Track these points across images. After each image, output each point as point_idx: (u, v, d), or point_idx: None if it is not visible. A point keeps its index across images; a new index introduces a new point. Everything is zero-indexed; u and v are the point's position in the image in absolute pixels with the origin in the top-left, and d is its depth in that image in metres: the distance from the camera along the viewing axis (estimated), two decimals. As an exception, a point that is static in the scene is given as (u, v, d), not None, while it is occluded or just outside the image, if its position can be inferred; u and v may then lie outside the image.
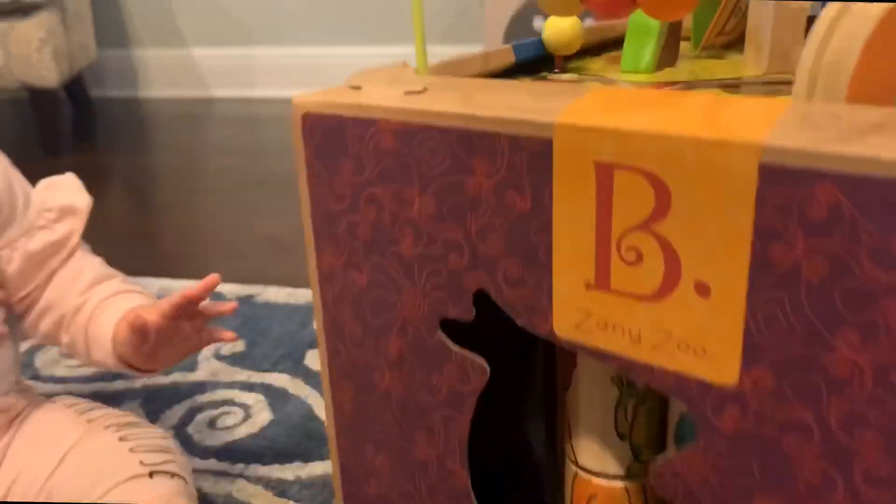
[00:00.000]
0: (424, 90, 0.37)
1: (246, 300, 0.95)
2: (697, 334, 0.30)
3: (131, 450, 0.56)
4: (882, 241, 0.25)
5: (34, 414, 0.59)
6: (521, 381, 0.45)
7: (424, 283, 0.38)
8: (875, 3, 0.29)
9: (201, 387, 0.79)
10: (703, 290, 0.30)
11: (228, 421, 0.73)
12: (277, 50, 2.08)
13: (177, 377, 0.80)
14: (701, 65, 0.50)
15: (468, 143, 0.34)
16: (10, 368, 0.59)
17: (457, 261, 0.37)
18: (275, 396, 0.77)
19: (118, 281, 0.60)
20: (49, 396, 0.62)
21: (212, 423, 0.73)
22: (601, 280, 0.32)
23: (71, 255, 0.60)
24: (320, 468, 0.66)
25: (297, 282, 0.97)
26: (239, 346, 0.86)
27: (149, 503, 0.52)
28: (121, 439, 0.57)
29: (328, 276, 0.42)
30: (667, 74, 0.47)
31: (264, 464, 0.67)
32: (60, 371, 0.83)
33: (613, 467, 0.40)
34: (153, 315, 0.54)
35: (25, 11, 1.62)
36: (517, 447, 0.46)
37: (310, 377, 0.79)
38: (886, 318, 0.26)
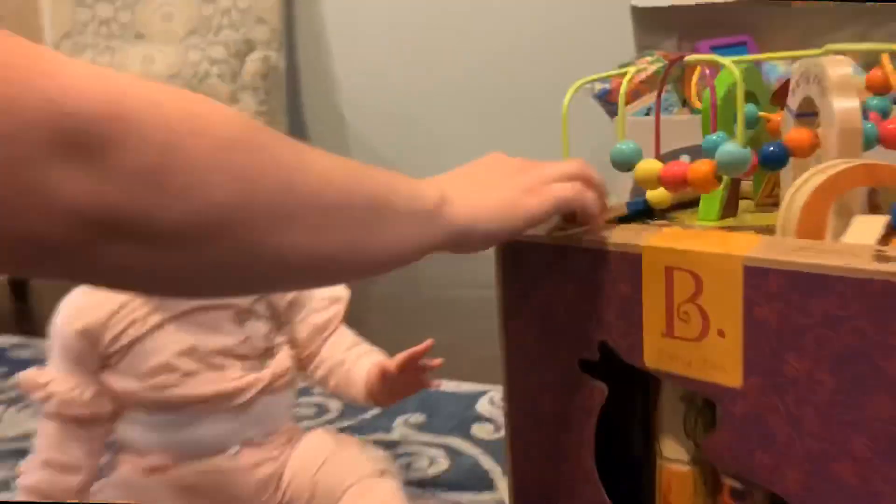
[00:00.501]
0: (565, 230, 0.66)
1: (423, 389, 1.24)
2: (719, 359, 0.56)
3: (367, 458, 0.86)
4: (800, 302, 0.51)
5: (303, 436, 0.90)
6: (630, 399, 0.70)
7: (570, 338, 0.66)
8: (810, 181, 0.56)
9: (397, 443, 1.07)
10: (721, 334, 0.56)
11: (419, 465, 1.01)
12: None
13: (379, 435, 1.09)
14: (752, 216, 0.77)
15: (597, 256, 0.62)
16: (291, 405, 0.90)
17: (589, 324, 0.64)
18: (450, 451, 1.04)
19: (365, 345, 0.92)
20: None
21: (408, 466, 1.01)
22: (669, 331, 0.59)
23: (337, 327, 0.92)
24: (487, 496, 0.92)
25: (462, 376, 1.25)
26: (420, 418, 1.15)
27: (380, 496, 0.80)
28: (360, 452, 0.87)
29: (511, 337, 0.70)
30: (728, 221, 0.74)
31: (447, 490, 0.94)
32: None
33: (683, 456, 0.64)
34: (391, 364, 0.84)
35: None
36: (625, 446, 0.70)
37: (475, 441, 1.06)
38: (808, 344, 0.52)
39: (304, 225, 0.44)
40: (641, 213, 0.78)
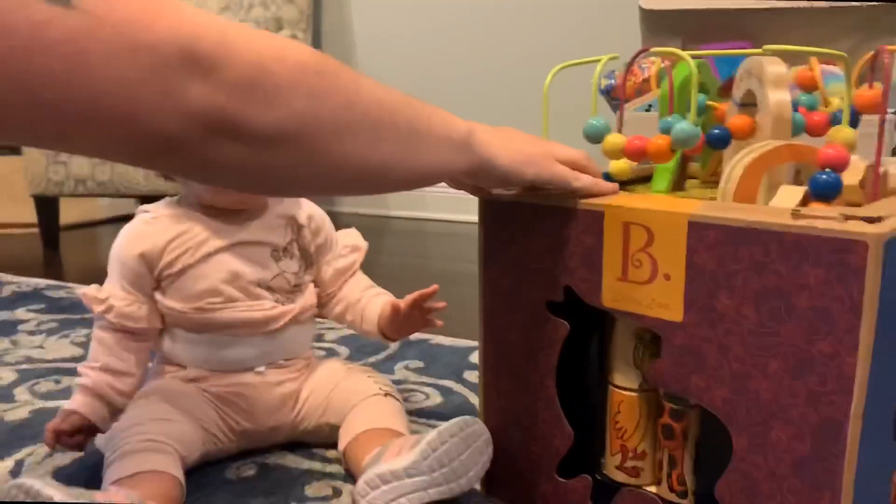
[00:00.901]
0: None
1: (424, 342, 1.39)
2: (665, 298, 0.68)
3: (374, 381, 0.99)
4: (732, 251, 0.64)
5: (319, 363, 1.03)
6: (588, 336, 0.82)
7: (539, 283, 0.77)
8: (746, 157, 0.68)
9: (398, 382, 1.20)
10: (667, 277, 0.68)
11: (416, 399, 1.14)
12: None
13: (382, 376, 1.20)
14: (697, 191, 0.89)
15: (567, 214, 0.74)
16: (312, 336, 1.04)
17: (557, 271, 0.76)
18: (442, 390, 1.17)
19: (379, 288, 1.06)
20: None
21: (406, 399, 1.13)
22: (624, 275, 0.71)
23: (356, 272, 1.06)
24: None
25: (457, 333, 1.38)
26: (420, 364, 1.29)
27: (383, 411, 0.93)
28: (368, 377, 1.00)
29: (488, 282, 0.81)
30: (676, 195, 0.87)
31: (438, 420, 1.05)
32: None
33: (632, 384, 0.76)
34: (402, 302, 0.97)
35: None
36: (581, 375, 0.82)
37: (466, 384, 1.18)
38: (737, 284, 0.64)
39: (360, 138, 0.56)
40: (603, 182, 0.90)
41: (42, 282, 1.87)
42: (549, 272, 0.76)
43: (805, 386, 0.62)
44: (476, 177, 0.71)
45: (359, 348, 1.36)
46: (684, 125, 0.71)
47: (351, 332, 1.36)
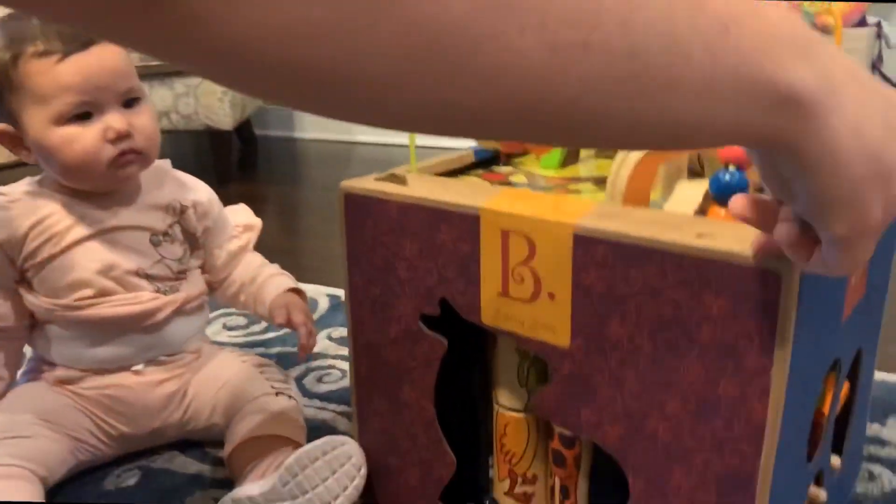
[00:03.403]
0: (407, 184, 0.65)
1: None
2: (550, 320, 0.58)
3: (267, 378, 0.88)
4: (624, 271, 0.53)
5: (211, 355, 0.92)
6: (469, 351, 0.72)
7: (412, 294, 0.66)
8: (632, 157, 0.57)
9: (315, 356, 1.10)
10: (552, 296, 0.58)
11: (330, 377, 1.04)
12: None
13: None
14: (591, 163, 0.78)
15: (438, 215, 0.62)
16: (202, 327, 0.92)
17: (430, 281, 0.64)
18: None
19: (273, 266, 0.95)
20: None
21: (320, 379, 1.04)
22: (504, 290, 0.60)
23: (249, 251, 0.95)
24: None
25: None
26: (344, 332, 1.15)
27: (271, 415, 0.83)
28: (261, 373, 0.89)
29: (355, 289, 0.70)
30: (569, 170, 0.75)
31: (345, 405, 0.96)
32: (223, 339, 1.16)
33: (517, 404, 0.67)
34: (296, 318, 0.87)
35: None
36: (464, 395, 0.73)
37: None
38: (630, 310, 0.54)
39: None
40: (488, 160, 0.78)
41: None
42: (423, 282, 0.65)
43: (709, 429, 0.53)
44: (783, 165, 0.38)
45: None
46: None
47: None
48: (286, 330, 1.15)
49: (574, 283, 0.56)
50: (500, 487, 0.70)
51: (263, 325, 1.21)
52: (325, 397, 0.99)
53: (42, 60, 0.77)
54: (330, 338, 1.16)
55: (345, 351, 1.11)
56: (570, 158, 0.76)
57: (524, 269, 0.58)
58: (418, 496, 0.71)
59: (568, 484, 0.65)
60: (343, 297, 1.24)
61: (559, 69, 0.30)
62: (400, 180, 0.66)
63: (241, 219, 0.96)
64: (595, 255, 0.54)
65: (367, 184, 0.67)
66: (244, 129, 2.53)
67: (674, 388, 0.53)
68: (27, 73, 0.77)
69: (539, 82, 0.30)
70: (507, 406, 0.67)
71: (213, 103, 2.06)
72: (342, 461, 0.71)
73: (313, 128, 2.79)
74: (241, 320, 1.23)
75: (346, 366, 1.07)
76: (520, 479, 0.68)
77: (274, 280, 0.93)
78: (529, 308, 0.59)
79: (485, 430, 0.71)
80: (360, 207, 0.67)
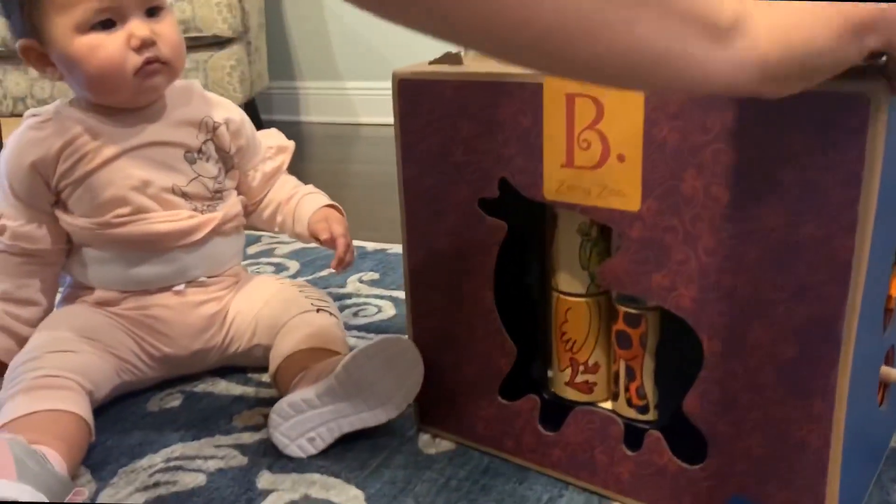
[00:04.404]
0: (462, 63, 0.64)
1: (381, 252, 1.28)
2: (619, 184, 0.57)
3: (307, 297, 0.88)
4: (701, 119, 0.52)
5: (248, 279, 0.92)
6: (526, 238, 0.71)
7: (469, 178, 0.65)
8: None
9: (349, 295, 1.10)
10: (621, 158, 0.57)
11: (366, 312, 1.04)
12: None
13: (333, 290, 1.10)
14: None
15: (497, 90, 0.61)
16: (240, 250, 0.92)
17: (489, 161, 0.63)
18: (397, 302, 1.06)
19: (308, 186, 0.94)
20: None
21: (356, 314, 1.03)
22: (569, 160, 0.59)
23: (283, 172, 0.94)
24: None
25: None
26: (375, 275, 1.17)
27: (314, 329, 0.82)
28: (300, 291, 0.89)
29: (409, 181, 0.68)
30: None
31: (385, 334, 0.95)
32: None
33: (579, 288, 0.66)
34: (336, 229, 0.86)
35: (221, 44, 2.04)
36: (519, 284, 0.71)
37: None
38: (706, 160, 0.53)
39: None
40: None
41: None
42: (480, 164, 0.64)
43: (791, 277, 0.52)
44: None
45: (309, 262, 1.24)
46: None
47: (301, 245, 1.28)
48: (319, 273, 1.15)
49: (646, 140, 0.55)
50: (561, 378, 0.69)
51: (293, 268, 1.21)
52: (364, 328, 0.98)
53: None
54: (361, 280, 1.15)
55: (377, 291, 1.11)
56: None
57: (591, 134, 0.57)
58: (477, 391, 0.70)
59: (634, 365, 0.64)
60: (368, 248, 1.27)
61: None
62: (455, 59, 0.65)
63: (274, 141, 0.96)
64: (668, 105, 0.53)
65: (421, 67, 0.66)
66: (250, 112, 2.48)
67: (752, 237, 0.52)
68: None
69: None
70: (568, 291, 0.66)
71: (221, 77, 2.06)
72: (399, 358, 0.70)
73: (317, 111, 2.77)
74: (269, 269, 1.22)
75: (380, 303, 1.06)
76: (581, 368, 0.67)
77: (311, 197, 0.92)
78: (596, 174, 0.58)
79: (542, 320, 0.70)
80: (413, 94, 0.66)
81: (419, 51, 0.55)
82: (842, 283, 0.50)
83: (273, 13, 2.69)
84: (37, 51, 0.80)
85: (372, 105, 2.65)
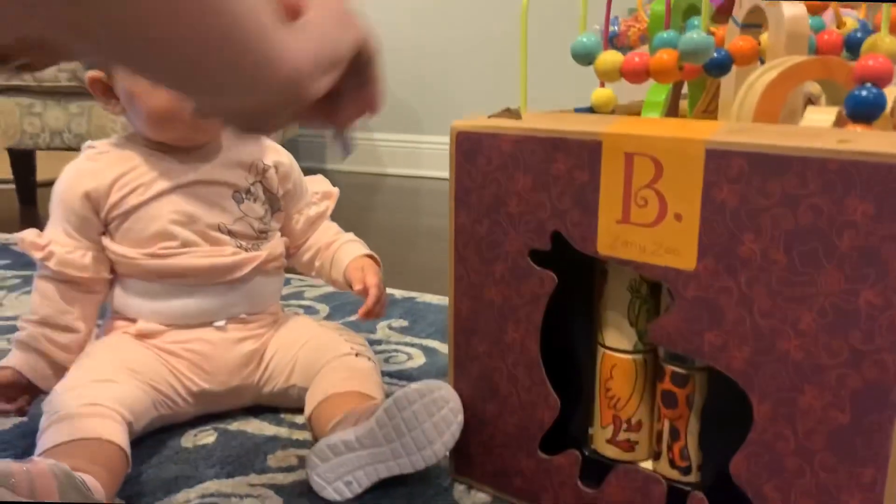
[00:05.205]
0: (521, 118, 0.66)
1: (410, 300, 1.29)
2: (675, 243, 0.58)
3: (346, 340, 0.88)
4: (760, 183, 0.53)
5: (287, 319, 0.93)
6: (575, 291, 0.71)
7: (521, 229, 0.66)
8: (765, 74, 0.57)
9: (379, 342, 1.10)
10: (679, 218, 0.57)
11: (397, 359, 1.04)
12: (442, 138, 2.53)
13: (363, 335, 1.08)
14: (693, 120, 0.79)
15: (554, 145, 0.62)
16: (280, 289, 0.93)
17: (543, 214, 0.64)
18: (427, 351, 1.07)
19: (349, 234, 0.97)
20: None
21: (387, 360, 1.04)
22: (625, 216, 0.60)
23: (326, 218, 0.97)
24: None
25: (445, 293, 1.27)
26: (404, 323, 1.18)
27: (353, 373, 0.83)
28: (339, 335, 0.90)
29: (461, 229, 0.69)
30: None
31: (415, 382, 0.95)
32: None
33: (626, 345, 0.66)
34: (370, 279, 0.88)
35: None
36: (565, 337, 0.72)
37: None
38: (765, 223, 0.53)
39: None
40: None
41: (13, 237, 1.69)
42: (534, 216, 0.65)
43: (846, 343, 0.52)
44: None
45: (339, 307, 1.25)
46: (694, 34, 0.60)
47: (331, 290, 1.29)
48: (348, 318, 1.16)
49: (704, 200, 0.56)
50: (602, 435, 0.69)
51: (323, 312, 1.21)
52: (394, 374, 0.98)
53: None
54: (390, 327, 1.16)
55: (406, 339, 1.11)
56: (670, 113, 0.77)
57: (648, 192, 0.58)
58: (517, 443, 0.70)
59: (679, 425, 0.64)
60: (396, 295, 1.28)
61: None
62: (515, 115, 0.66)
63: (320, 187, 0.98)
64: (729, 169, 0.54)
65: (481, 121, 0.67)
66: (279, 159, 2.56)
67: (809, 301, 0.53)
68: None
69: None
70: (615, 347, 0.67)
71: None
72: (440, 405, 0.70)
73: (344, 160, 2.82)
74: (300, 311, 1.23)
75: (410, 350, 1.07)
76: (624, 426, 0.67)
77: (349, 246, 0.94)
78: (652, 232, 0.59)
79: (587, 375, 0.70)
80: (471, 145, 0.67)
81: (448, 106, 0.57)
82: (899, 352, 0.50)
83: (308, 63, 2.76)
84: (103, 83, 0.83)
85: (398, 156, 2.70)
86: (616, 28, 1.77)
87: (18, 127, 2.10)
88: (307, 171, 0.98)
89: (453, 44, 2.59)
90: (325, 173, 1.03)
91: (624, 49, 1.75)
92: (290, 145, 2.70)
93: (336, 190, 0.99)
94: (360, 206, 2.15)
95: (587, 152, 0.61)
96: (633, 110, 0.84)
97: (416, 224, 2.00)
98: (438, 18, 2.61)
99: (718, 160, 0.55)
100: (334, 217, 1.00)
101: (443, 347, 1.08)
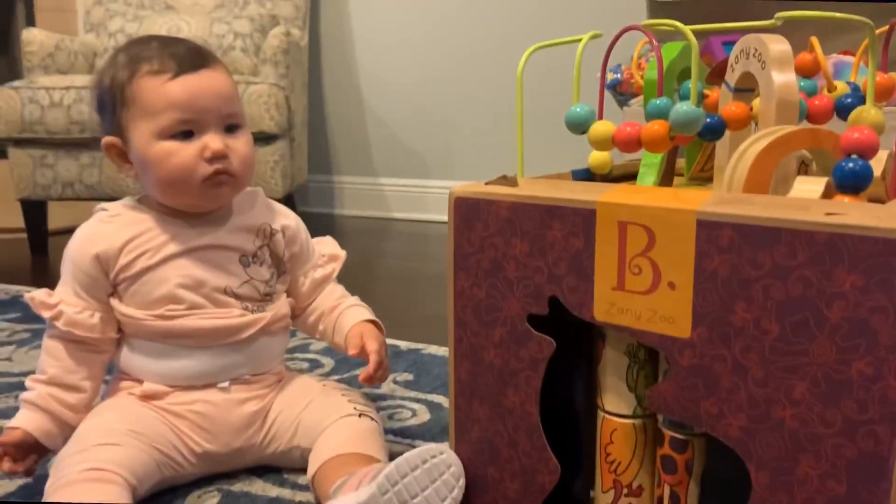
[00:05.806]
0: (518, 185, 0.67)
1: (415, 351, 1.30)
2: (670, 311, 0.59)
3: (349, 400, 0.89)
4: (751, 254, 0.54)
5: (290, 379, 0.93)
6: (573, 355, 0.72)
7: (519, 293, 0.67)
8: (756, 143, 0.58)
9: (383, 397, 1.11)
10: (672, 286, 0.58)
11: (401, 416, 1.04)
12: (448, 182, 2.58)
13: (367, 389, 1.11)
14: (686, 187, 0.80)
15: (550, 212, 0.64)
16: (284, 349, 0.94)
17: (540, 279, 0.65)
18: (432, 406, 1.07)
19: (353, 298, 0.97)
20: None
21: (391, 416, 1.04)
22: (620, 284, 0.61)
23: (332, 281, 0.98)
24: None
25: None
26: (409, 376, 1.19)
27: (356, 434, 0.84)
28: (342, 395, 0.90)
29: (460, 292, 0.70)
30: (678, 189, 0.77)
31: (426, 440, 0.96)
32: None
33: (625, 410, 0.66)
34: (370, 345, 0.88)
35: (266, 140, 2.12)
36: (564, 402, 0.72)
37: None
38: (756, 293, 0.54)
39: None
40: (585, 181, 0.80)
41: (24, 289, 1.72)
42: (532, 281, 0.66)
43: (840, 413, 0.52)
44: None
45: (343, 360, 1.25)
46: (685, 107, 0.61)
47: None
48: (353, 371, 1.16)
49: (696, 270, 0.57)
50: (604, 500, 0.69)
51: (328, 366, 1.22)
52: (398, 432, 0.99)
53: (155, 78, 0.81)
54: (395, 381, 1.16)
55: (411, 394, 1.12)
56: (665, 181, 0.78)
57: (642, 260, 0.59)
58: (518, 507, 0.70)
59: (678, 490, 0.64)
60: (401, 347, 1.29)
61: None
62: (511, 182, 0.68)
63: (327, 249, 0.99)
64: (720, 239, 0.55)
65: (478, 187, 0.68)
66: (288, 204, 2.58)
67: (802, 371, 0.53)
68: (140, 88, 0.81)
69: None
70: (614, 411, 0.67)
71: (264, 171, 2.12)
72: (441, 470, 0.70)
73: (352, 204, 2.86)
74: (304, 364, 1.23)
75: (414, 406, 1.07)
76: (625, 491, 0.67)
77: (353, 310, 0.95)
78: (647, 300, 0.60)
79: (586, 439, 0.70)
80: (469, 211, 0.68)
81: (454, 152, 0.58)
82: (893, 422, 0.50)
83: (315, 110, 2.80)
84: (118, 148, 0.85)
85: (405, 201, 2.74)
86: (619, 76, 1.79)
87: (31, 178, 2.16)
88: (317, 216, 0.99)
89: (458, 93, 2.63)
90: (334, 217, 1.05)
91: (626, 97, 1.77)
92: (300, 189, 2.75)
93: (343, 253, 1.00)
94: (366, 251, 2.17)
95: (582, 220, 0.62)
96: (631, 170, 0.85)
97: (423, 269, 2.01)
98: (444, 68, 2.66)
99: (709, 230, 0.56)
100: (344, 266, 1.01)
101: (446, 402, 1.08)
